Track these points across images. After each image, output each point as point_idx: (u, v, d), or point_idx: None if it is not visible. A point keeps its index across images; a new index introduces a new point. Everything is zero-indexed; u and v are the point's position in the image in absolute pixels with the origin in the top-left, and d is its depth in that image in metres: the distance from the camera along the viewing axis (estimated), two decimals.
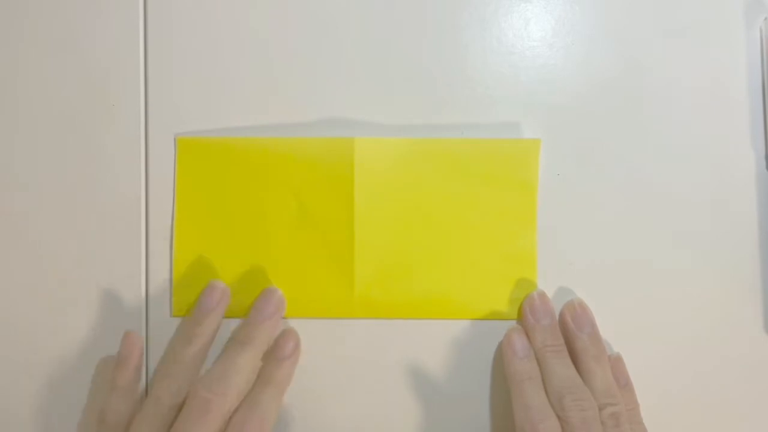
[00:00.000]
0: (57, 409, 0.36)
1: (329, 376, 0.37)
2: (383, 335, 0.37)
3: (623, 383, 0.36)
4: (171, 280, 0.37)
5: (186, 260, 0.36)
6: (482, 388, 0.37)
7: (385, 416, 0.37)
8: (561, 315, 0.37)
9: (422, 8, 0.38)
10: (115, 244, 0.37)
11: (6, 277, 0.37)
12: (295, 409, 0.37)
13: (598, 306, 0.37)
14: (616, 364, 0.36)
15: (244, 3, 0.38)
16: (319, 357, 0.37)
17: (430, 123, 0.37)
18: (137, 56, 0.37)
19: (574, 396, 0.33)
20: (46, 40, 0.37)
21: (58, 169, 0.37)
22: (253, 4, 0.38)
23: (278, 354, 0.35)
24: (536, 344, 0.35)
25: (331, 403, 0.37)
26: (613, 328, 0.37)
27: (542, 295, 0.36)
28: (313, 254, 0.37)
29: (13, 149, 0.37)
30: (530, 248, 0.37)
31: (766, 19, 0.38)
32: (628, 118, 0.38)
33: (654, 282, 0.37)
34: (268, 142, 0.37)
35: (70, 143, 0.37)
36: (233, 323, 0.37)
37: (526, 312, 0.36)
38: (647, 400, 0.37)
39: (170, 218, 0.37)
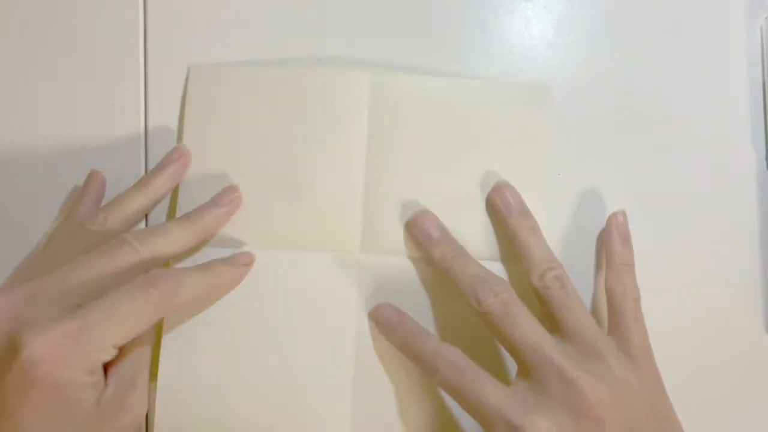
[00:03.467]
0: None
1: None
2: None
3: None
4: None
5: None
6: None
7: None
8: (489, 198, 0.36)
9: (422, 8, 0.38)
10: None
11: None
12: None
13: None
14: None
15: (244, 10, 0.38)
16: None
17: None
18: (137, 56, 0.38)
19: (485, 286, 0.32)
20: (45, 39, 0.38)
21: (58, 170, 0.37)
22: (252, 8, 0.38)
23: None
24: (436, 257, 0.35)
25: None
26: None
27: (425, 212, 0.36)
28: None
29: (13, 149, 0.37)
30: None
31: (766, 18, 0.38)
32: (628, 117, 0.38)
33: (654, 282, 0.37)
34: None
35: (69, 144, 0.37)
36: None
37: (416, 234, 0.36)
38: None
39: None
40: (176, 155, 0.36)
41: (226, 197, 0.36)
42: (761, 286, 0.37)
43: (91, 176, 0.37)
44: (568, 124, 0.38)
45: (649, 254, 0.37)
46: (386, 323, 0.35)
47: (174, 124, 0.37)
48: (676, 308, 0.37)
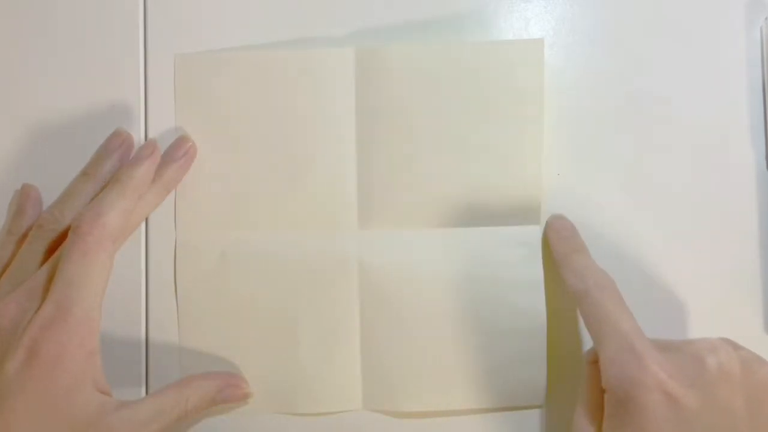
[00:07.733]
0: None
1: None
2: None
3: None
4: (172, 273, 0.37)
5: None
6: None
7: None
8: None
9: (422, 9, 0.38)
10: None
11: None
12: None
13: None
14: None
15: (250, 8, 0.38)
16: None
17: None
18: (137, 55, 0.38)
19: None
20: (45, 38, 0.38)
21: (58, 170, 0.37)
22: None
23: (168, 157, 0.36)
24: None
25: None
26: None
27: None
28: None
29: (14, 149, 0.37)
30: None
31: (766, 18, 0.38)
32: (628, 117, 0.38)
33: (654, 282, 0.37)
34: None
35: (70, 144, 0.37)
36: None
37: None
38: None
39: (171, 214, 0.37)
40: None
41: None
42: (761, 286, 0.37)
43: (23, 191, 0.37)
44: (568, 124, 0.38)
45: (648, 254, 0.37)
46: (558, 231, 0.36)
47: (174, 124, 0.37)
48: (675, 308, 0.37)
